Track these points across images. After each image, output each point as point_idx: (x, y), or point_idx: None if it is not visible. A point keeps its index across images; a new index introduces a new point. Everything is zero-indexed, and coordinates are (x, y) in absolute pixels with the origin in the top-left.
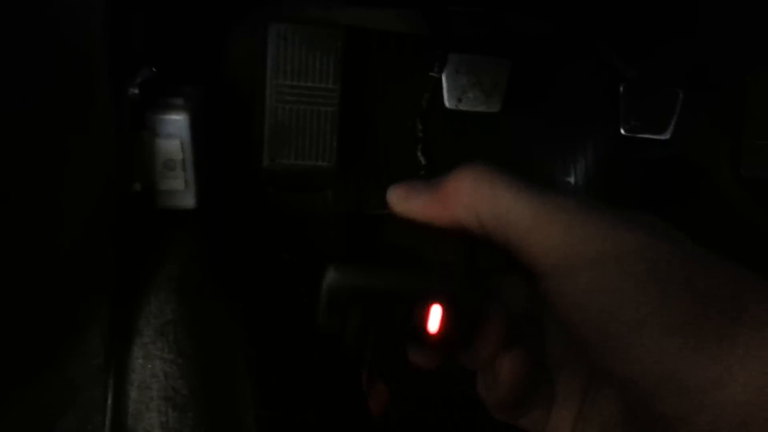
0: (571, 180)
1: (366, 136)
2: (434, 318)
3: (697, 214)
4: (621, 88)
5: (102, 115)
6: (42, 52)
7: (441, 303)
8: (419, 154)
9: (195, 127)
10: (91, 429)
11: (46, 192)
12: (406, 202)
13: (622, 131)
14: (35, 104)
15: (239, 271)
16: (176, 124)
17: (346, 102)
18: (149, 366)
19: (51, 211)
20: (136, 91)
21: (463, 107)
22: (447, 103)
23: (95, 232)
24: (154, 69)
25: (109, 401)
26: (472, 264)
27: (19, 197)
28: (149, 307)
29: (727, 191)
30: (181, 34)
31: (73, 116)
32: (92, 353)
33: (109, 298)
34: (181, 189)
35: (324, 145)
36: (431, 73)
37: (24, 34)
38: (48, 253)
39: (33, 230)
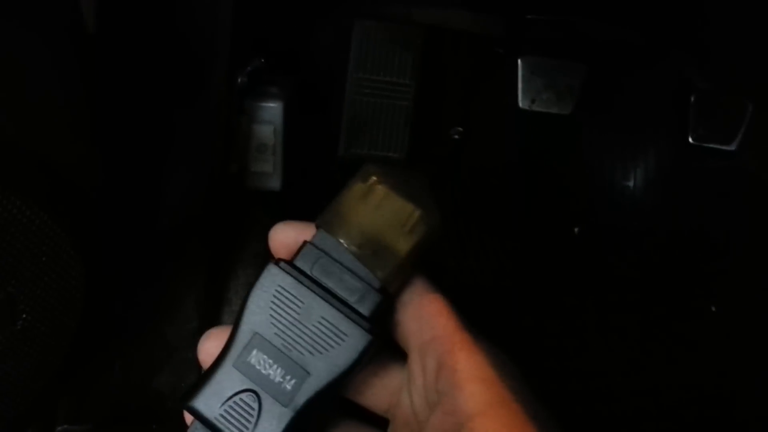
0: (630, 184)
1: (437, 131)
2: None
3: (757, 229)
4: (692, 98)
5: (216, 101)
6: (172, 41)
7: None
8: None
9: (287, 115)
10: (184, 386)
11: (157, 163)
12: None
13: (690, 140)
14: (161, 87)
15: None
16: (271, 111)
17: (421, 97)
18: None
19: (159, 183)
20: (246, 79)
21: (536, 108)
22: (521, 104)
23: (196, 206)
24: (262, 60)
25: None
26: None
27: (135, 167)
28: (237, 279)
29: None
30: (273, 27)
31: (192, 99)
32: (187, 318)
33: (205, 269)
34: (269, 172)
35: (396, 137)
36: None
37: (161, 23)
38: (154, 222)
39: (143, 200)
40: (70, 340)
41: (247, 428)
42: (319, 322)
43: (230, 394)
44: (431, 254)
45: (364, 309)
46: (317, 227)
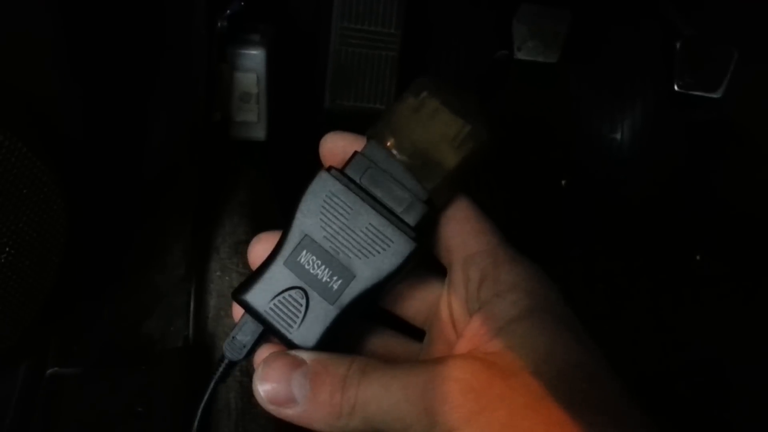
0: (617, 136)
1: None
2: None
3: (739, 176)
4: (677, 45)
5: (196, 44)
6: None
7: None
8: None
9: (270, 63)
10: (174, 330)
11: (139, 107)
12: None
13: (676, 87)
14: (138, 29)
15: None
16: (254, 59)
17: (407, 48)
18: (226, 278)
19: (142, 127)
20: (226, 23)
21: (521, 56)
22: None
23: (181, 154)
24: (242, 3)
25: (192, 306)
26: None
27: (116, 110)
28: (224, 228)
29: None
30: None
31: (171, 42)
32: (175, 264)
33: (191, 217)
34: (254, 121)
35: (383, 88)
36: None
37: None
38: (140, 170)
39: (126, 145)
40: (55, 275)
41: (294, 322)
42: (367, 228)
43: (280, 289)
44: (480, 170)
45: (410, 218)
46: (368, 138)
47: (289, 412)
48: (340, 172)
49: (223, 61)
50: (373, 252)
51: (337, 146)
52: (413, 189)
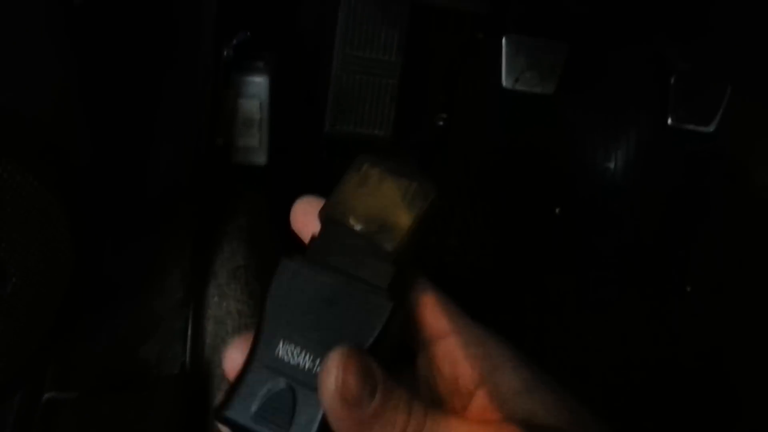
0: (611, 166)
1: (422, 109)
2: None
3: (733, 211)
4: (672, 80)
5: (202, 72)
6: (159, 12)
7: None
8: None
9: (273, 89)
10: (171, 356)
11: (144, 134)
12: None
13: (670, 121)
14: (147, 58)
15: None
16: (258, 85)
17: (406, 75)
18: (224, 304)
19: (146, 153)
20: (232, 52)
21: (519, 87)
22: (504, 83)
23: (183, 178)
24: (248, 33)
25: (189, 331)
26: None
27: (122, 137)
28: (222, 253)
29: (763, 193)
30: (260, 1)
31: (178, 70)
32: (174, 289)
33: (191, 241)
34: (255, 146)
35: (382, 115)
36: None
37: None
38: (142, 193)
39: (131, 170)
40: (59, 305)
41: (287, 423)
42: (341, 302)
43: (263, 394)
44: (435, 223)
45: (382, 281)
46: (321, 219)
47: (351, 413)
48: (302, 255)
49: (227, 87)
50: (353, 323)
51: (308, 213)
52: (377, 254)
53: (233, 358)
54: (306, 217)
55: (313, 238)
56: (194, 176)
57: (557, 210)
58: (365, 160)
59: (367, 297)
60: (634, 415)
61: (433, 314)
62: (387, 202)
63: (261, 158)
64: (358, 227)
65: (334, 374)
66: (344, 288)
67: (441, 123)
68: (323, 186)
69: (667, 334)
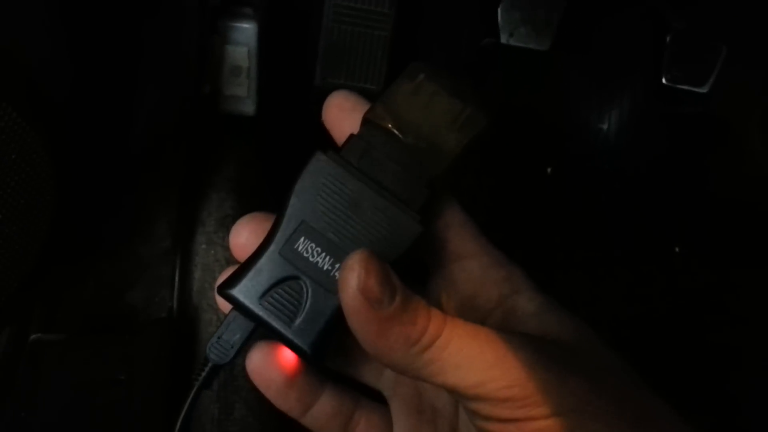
0: (604, 127)
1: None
2: None
3: (724, 173)
4: (668, 38)
5: (188, 17)
6: None
7: None
8: None
9: (262, 37)
10: (158, 301)
11: (128, 78)
12: None
13: (664, 80)
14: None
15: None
16: (246, 32)
17: (400, 28)
18: (212, 251)
19: (131, 97)
20: None
21: (513, 42)
22: (500, 38)
23: (169, 124)
24: None
25: (177, 278)
26: None
27: (105, 80)
28: (210, 202)
29: (753, 157)
30: None
31: (162, 13)
32: (161, 237)
33: (177, 189)
34: (243, 95)
35: (374, 68)
36: None
37: None
38: (128, 140)
39: (115, 114)
40: (42, 243)
41: (292, 316)
42: (370, 212)
43: (274, 281)
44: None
45: (415, 202)
46: (365, 120)
47: (371, 313)
48: (338, 154)
49: (214, 33)
50: (378, 237)
51: (344, 109)
52: (415, 172)
53: (241, 236)
54: (341, 113)
55: (351, 138)
56: (180, 123)
57: (549, 169)
58: (422, 70)
59: (397, 215)
60: None
61: (460, 235)
62: (438, 120)
63: (249, 108)
64: (408, 139)
65: (356, 272)
66: (376, 198)
67: None
68: (313, 138)
69: (654, 293)
